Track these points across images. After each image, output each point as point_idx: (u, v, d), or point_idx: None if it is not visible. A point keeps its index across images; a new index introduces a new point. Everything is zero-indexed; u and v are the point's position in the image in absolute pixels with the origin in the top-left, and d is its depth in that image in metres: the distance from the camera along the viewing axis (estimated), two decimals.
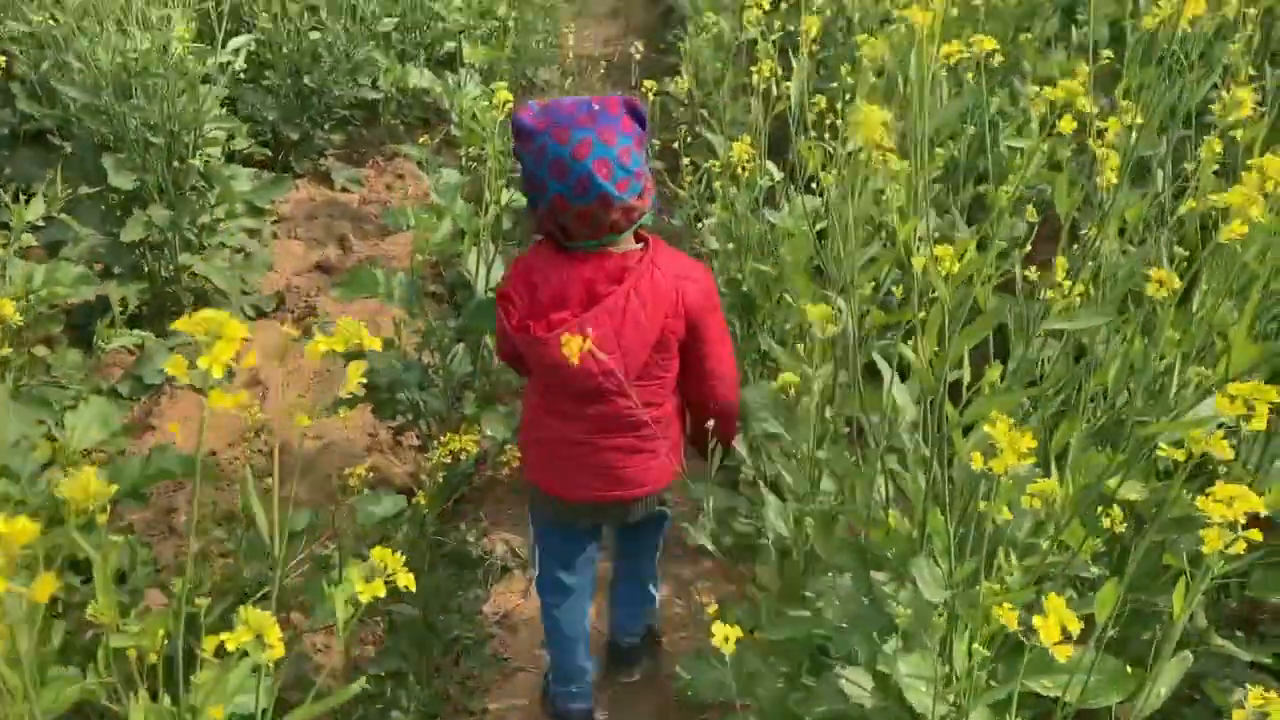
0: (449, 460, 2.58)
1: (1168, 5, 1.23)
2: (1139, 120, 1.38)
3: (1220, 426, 1.17)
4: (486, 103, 3.00)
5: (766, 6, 2.57)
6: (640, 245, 2.07)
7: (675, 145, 3.50)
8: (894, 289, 2.34)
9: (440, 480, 2.62)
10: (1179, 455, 1.14)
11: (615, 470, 2.17)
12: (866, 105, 1.31)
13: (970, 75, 2.33)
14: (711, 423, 1.95)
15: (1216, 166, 1.63)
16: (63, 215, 3.32)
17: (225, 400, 0.79)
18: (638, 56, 5.55)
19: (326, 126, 5.56)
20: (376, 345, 0.96)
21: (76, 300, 3.24)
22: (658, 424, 2.10)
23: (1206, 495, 1.01)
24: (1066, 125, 1.19)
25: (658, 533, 2.46)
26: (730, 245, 2.85)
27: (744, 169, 2.86)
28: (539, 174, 1.95)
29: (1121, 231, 1.97)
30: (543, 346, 1.97)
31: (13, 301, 2.61)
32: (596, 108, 1.96)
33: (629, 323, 1.98)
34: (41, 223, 2.91)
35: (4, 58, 4.05)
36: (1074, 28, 2.66)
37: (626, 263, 2.01)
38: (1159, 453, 1.27)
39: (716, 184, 3.01)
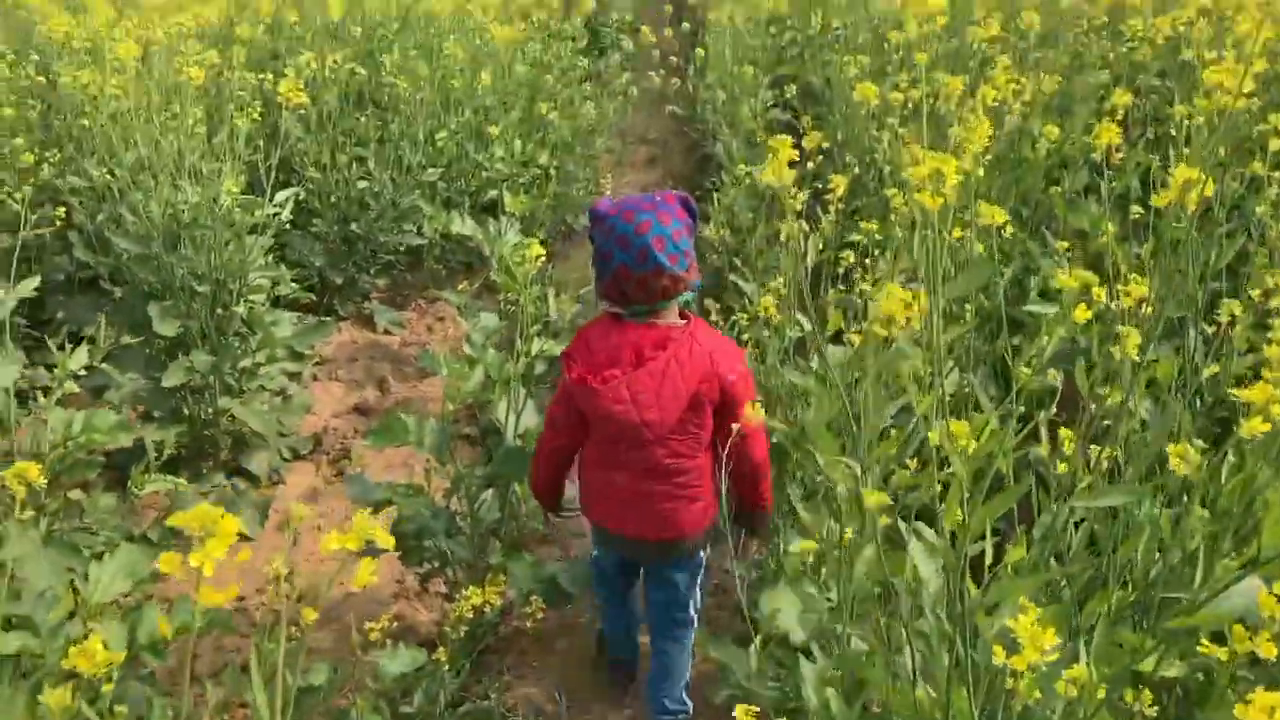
0: (472, 614, 2.54)
1: (1175, 187, 1.24)
2: (1161, 293, 1.37)
3: None
4: (520, 255, 3.07)
5: (794, 158, 2.63)
6: (684, 321, 2.49)
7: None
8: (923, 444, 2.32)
9: (462, 635, 2.57)
10: (1221, 654, 1.09)
11: (653, 511, 2.54)
12: (889, 288, 1.32)
13: (983, 246, 2.34)
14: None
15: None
16: (103, 365, 3.41)
17: (216, 598, 0.79)
18: None
19: (371, 271, 5.73)
20: (390, 543, 0.96)
21: (114, 446, 3.29)
22: (689, 474, 2.51)
23: (1246, 703, 0.96)
24: (1081, 315, 1.18)
25: (692, 581, 2.73)
26: (760, 398, 2.84)
27: (774, 319, 2.89)
28: (607, 247, 2.43)
29: (1150, 383, 1.94)
30: (596, 395, 2.40)
31: (50, 450, 2.67)
32: (657, 199, 2.46)
33: (668, 383, 2.39)
34: (83, 372, 2.99)
35: (65, 209, 4.26)
36: (1103, 181, 2.68)
37: (670, 333, 2.43)
38: (1200, 650, 1.21)
39: (745, 336, 3.03)
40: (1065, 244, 2.48)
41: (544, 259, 3.39)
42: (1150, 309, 1.43)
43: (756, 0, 6.63)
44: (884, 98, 4.66)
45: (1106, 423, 1.73)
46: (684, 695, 2.84)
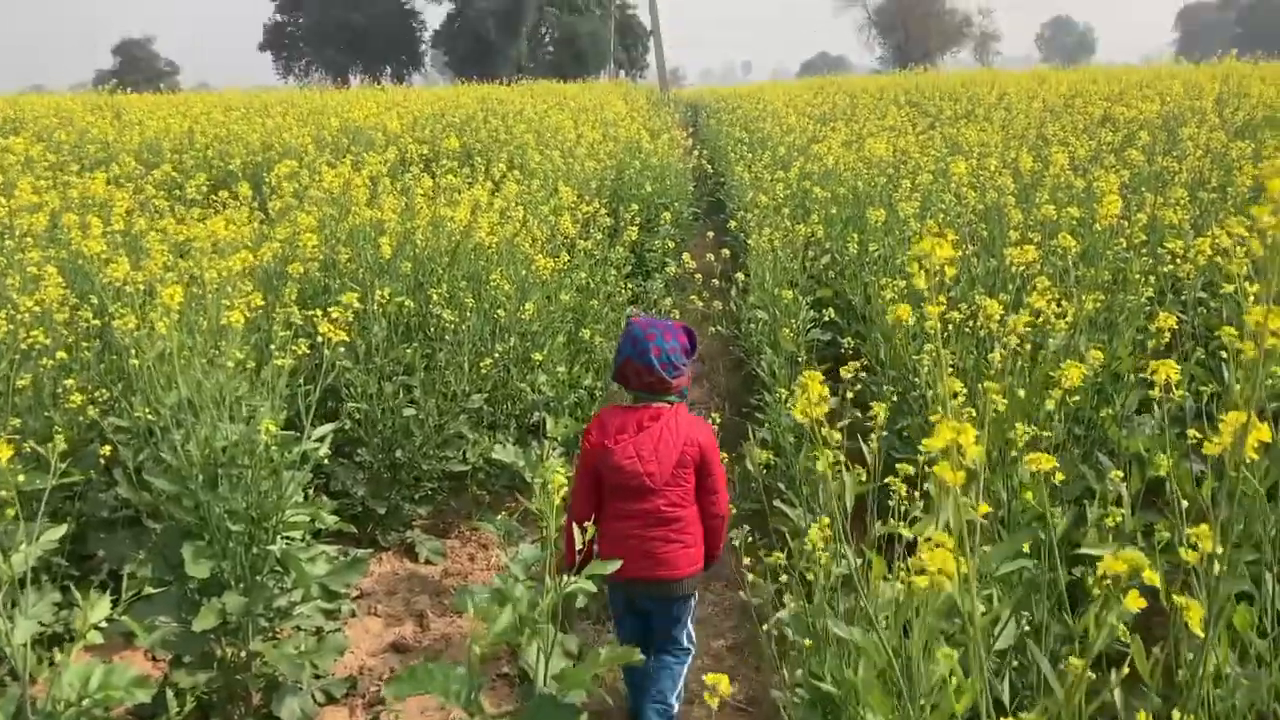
0: None
1: (1226, 434, 1.13)
2: (1226, 553, 1.24)
3: None
4: (543, 478, 2.99)
5: (824, 394, 2.56)
6: (671, 404, 3.51)
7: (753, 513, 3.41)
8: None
9: None
10: None
11: (656, 554, 3.41)
12: (931, 551, 1.21)
13: (1031, 494, 2.22)
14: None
15: None
16: (123, 617, 3.33)
17: None
18: (718, 421, 5.64)
19: (415, 498, 5.69)
20: None
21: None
22: (682, 521, 3.45)
23: None
24: (1134, 602, 1.06)
25: (687, 616, 3.64)
26: (807, 641, 2.67)
27: (820, 555, 2.74)
28: (623, 342, 3.55)
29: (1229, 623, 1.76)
30: (611, 454, 3.41)
31: (64, 709, 2.54)
32: (669, 324, 3.56)
33: (662, 444, 3.42)
34: (105, 624, 2.90)
35: (110, 447, 4.31)
36: (1155, 405, 2.56)
37: (661, 411, 3.48)
38: None
39: (782, 578, 2.88)
40: (1119, 473, 2.34)
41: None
42: (1220, 568, 1.29)
43: (793, 226, 6.79)
44: (922, 320, 4.69)
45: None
46: (674, 701, 3.56)
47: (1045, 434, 2.92)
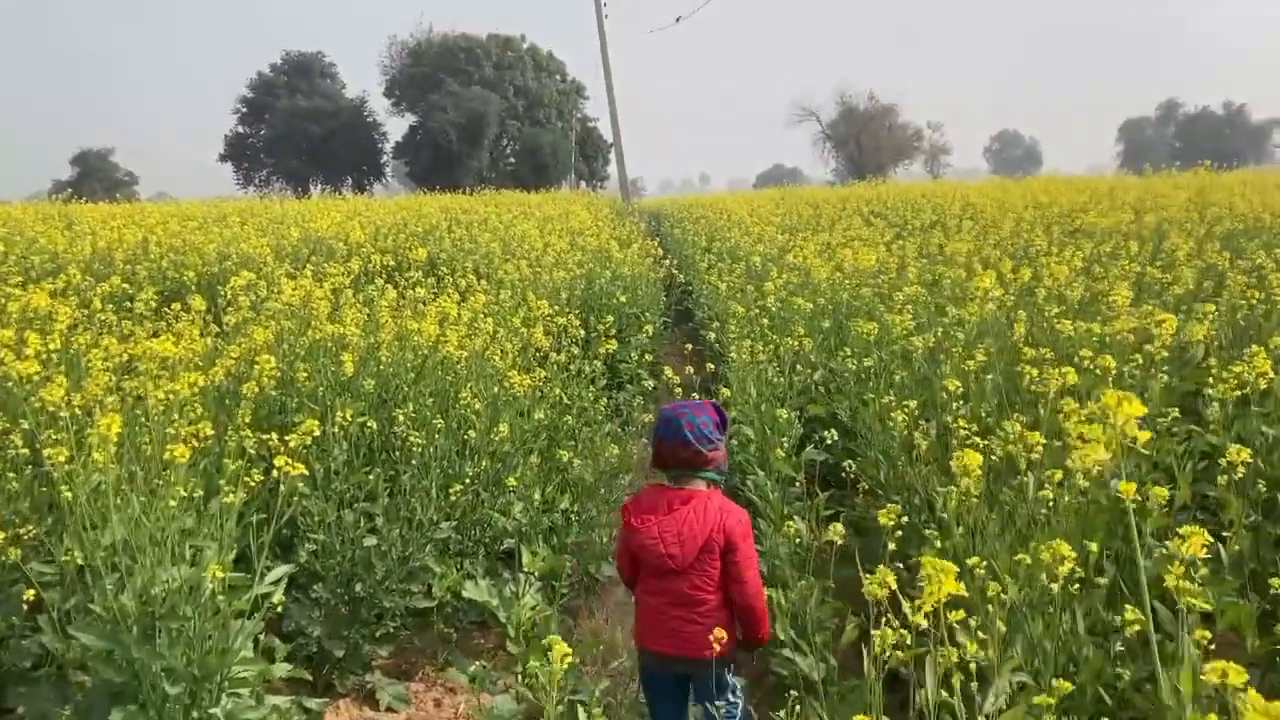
0: None
1: None
2: None
3: None
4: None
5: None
6: (706, 488, 3.54)
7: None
8: None
9: None
10: None
11: (679, 633, 3.44)
12: None
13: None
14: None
15: None
16: None
17: None
18: None
19: (376, 636, 5.18)
20: None
21: None
22: (707, 605, 3.42)
23: None
24: None
25: (718, 691, 3.45)
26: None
27: None
28: (659, 427, 3.59)
29: None
30: (637, 533, 3.48)
31: None
32: (698, 400, 3.75)
33: (686, 527, 3.41)
34: None
35: (34, 592, 3.82)
36: (1223, 549, 2.25)
37: (694, 495, 3.49)
38: None
39: None
40: (1207, 634, 1.99)
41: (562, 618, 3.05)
42: None
43: (780, 339, 6.52)
44: (932, 443, 4.38)
45: None
46: None
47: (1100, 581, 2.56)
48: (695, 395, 7.14)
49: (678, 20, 39.25)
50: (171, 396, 3.77)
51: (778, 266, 10.36)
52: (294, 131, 64.57)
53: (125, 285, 9.08)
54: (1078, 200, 14.80)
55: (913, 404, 4.29)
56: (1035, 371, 3.62)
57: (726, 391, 6.09)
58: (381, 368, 5.74)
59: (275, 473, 3.55)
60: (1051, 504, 2.76)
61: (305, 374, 5.42)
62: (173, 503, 3.20)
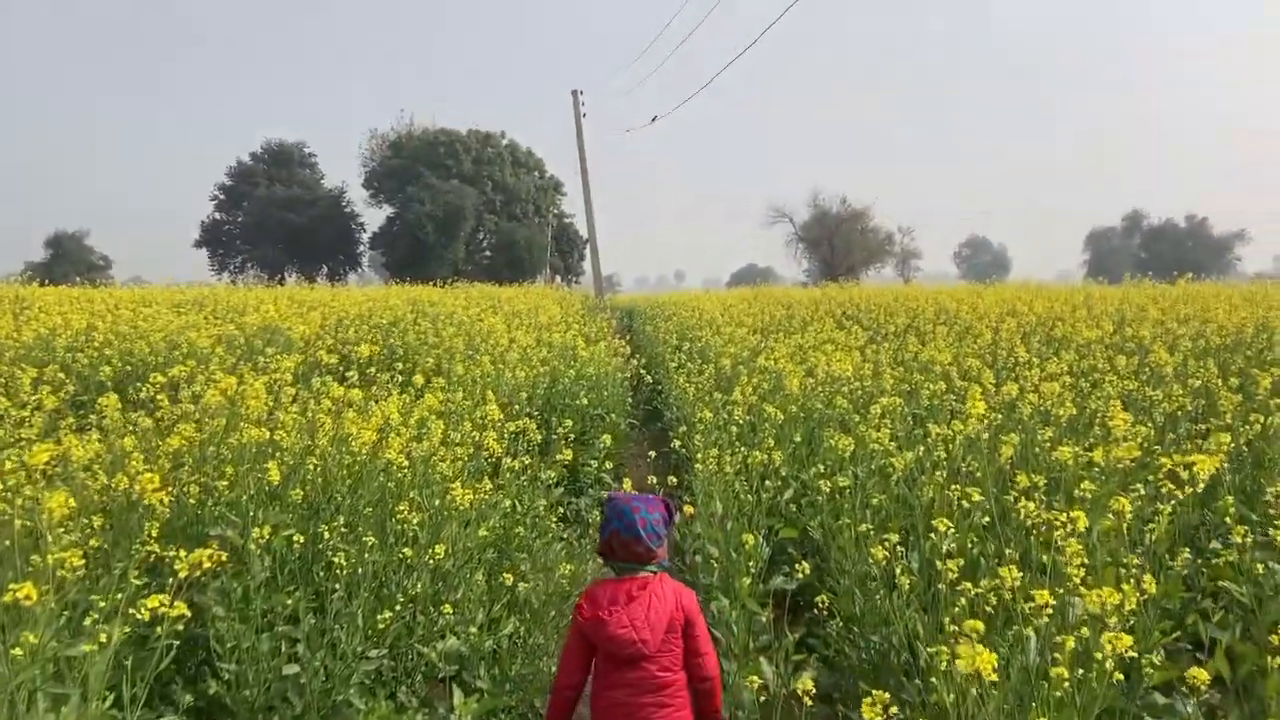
0: None
1: None
2: None
3: None
4: None
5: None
6: (655, 573, 3.63)
7: None
8: None
9: None
10: None
11: None
12: None
13: None
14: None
15: None
16: None
17: None
18: None
19: None
20: None
21: None
22: (673, 687, 3.53)
23: None
24: None
25: None
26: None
27: None
28: (610, 518, 3.66)
29: None
30: (605, 625, 3.50)
31: None
32: (649, 497, 3.72)
33: (651, 612, 3.52)
34: None
35: None
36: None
37: (648, 581, 3.59)
38: None
39: None
40: None
41: None
42: None
43: (748, 451, 6.10)
44: (915, 581, 3.95)
45: None
46: None
47: None
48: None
49: (654, 120, 39.74)
50: (48, 513, 3.27)
51: (748, 369, 10.01)
52: (271, 219, 64.47)
53: (61, 375, 8.61)
54: (1053, 308, 14.64)
55: (893, 537, 3.86)
56: (1031, 505, 3.22)
57: (690, 509, 5.63)
58: (312, 476, 5.24)
59: (172, 606, 3.06)
60: (1065, 684, 2.33)
61: (227, 482, 4.92)
62: (18, 652, 2.68)
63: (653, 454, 8.07)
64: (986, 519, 4.09)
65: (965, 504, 3.93)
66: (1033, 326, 12.17)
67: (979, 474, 4.55)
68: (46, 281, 25.26)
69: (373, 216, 70.55)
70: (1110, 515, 3.00)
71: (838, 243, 73.67)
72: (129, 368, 9.87)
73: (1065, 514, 2.88)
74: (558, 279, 66.07)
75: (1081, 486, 3.30)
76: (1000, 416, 5.44)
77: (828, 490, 4.91)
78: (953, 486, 4.13)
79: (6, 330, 11.25)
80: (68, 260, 68.23)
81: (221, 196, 68.47)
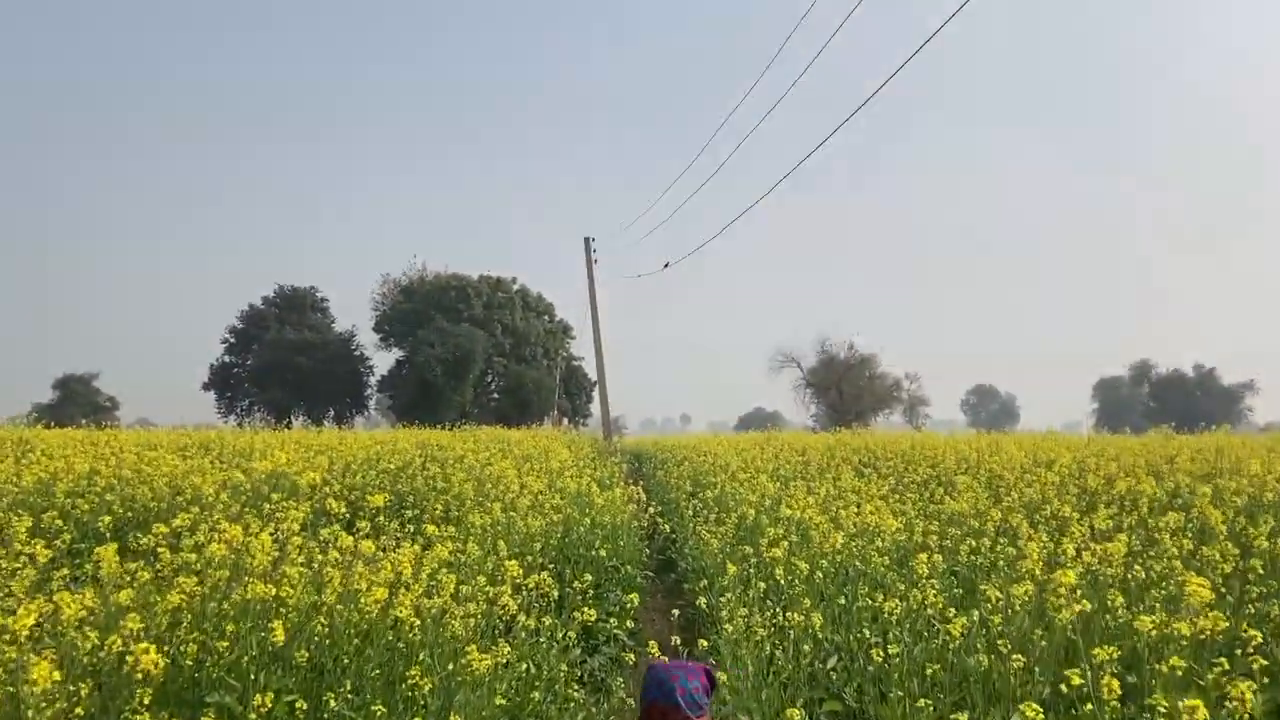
0: None
1: None
2: None
3: None
4: None
5: None
6: None
7: None
8: None
9: None
10: None
11: None
12: None
13: None
14: None
15: None
16: None
17: None
18: None
19: None
20: None
21: None
22: None
23: None
24: None
25: None
26: None
27: None
28: (649, 688, 3.58)
29: None
30: None
31: None
32: (690, 665, 3.66)
33: None
34: None
35: None
36: None
37: None
38: None
39: None
40: None
41: None
42: None
43: (778, 610, 5.73)
44: None
45: None
46: None
47: None
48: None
49: (666, 266, 40.24)
50: (28, 688, 2.95)
51: (771, 519, 9.66)
52: (280, 362, 64.87)
53: (59, 522, 8.31)
54: (1076, 458, 14.33)
55: (962, 718, 3.49)
56: (1115, 684, 2.88)
57: (723, 676, 5.24)
58: (319, 636, 4.89)
59: None
60: None
61: (227, 643, 4.57)
62: None
63: (676, 613, 7.65)
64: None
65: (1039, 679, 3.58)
66: (1064, 478, 11.84)
67: (1042, 642, 4.20)
68: (52, 424, 25.13)
69: (382, 360, 71.06)
70: (1229, 701, 2.67)
71: (846, 388, 73.79)
72: (130, 514, 9.57)
73: (1183, 703, 2.54)
74: (565, 421, 65.95)
75: (1170, 663, 2.98)
76: (1057, 577, 5.10)
77: (878, 659, 4.53)
78: (1015, 657, 3.78)
79: (6, 474, 10.99)
80: (75, 402, 68.43)
81: (232, 340, 69.12)
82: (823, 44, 15.79)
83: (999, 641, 4.15)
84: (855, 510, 8.30)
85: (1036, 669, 3.64)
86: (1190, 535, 6.71)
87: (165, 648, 4.46)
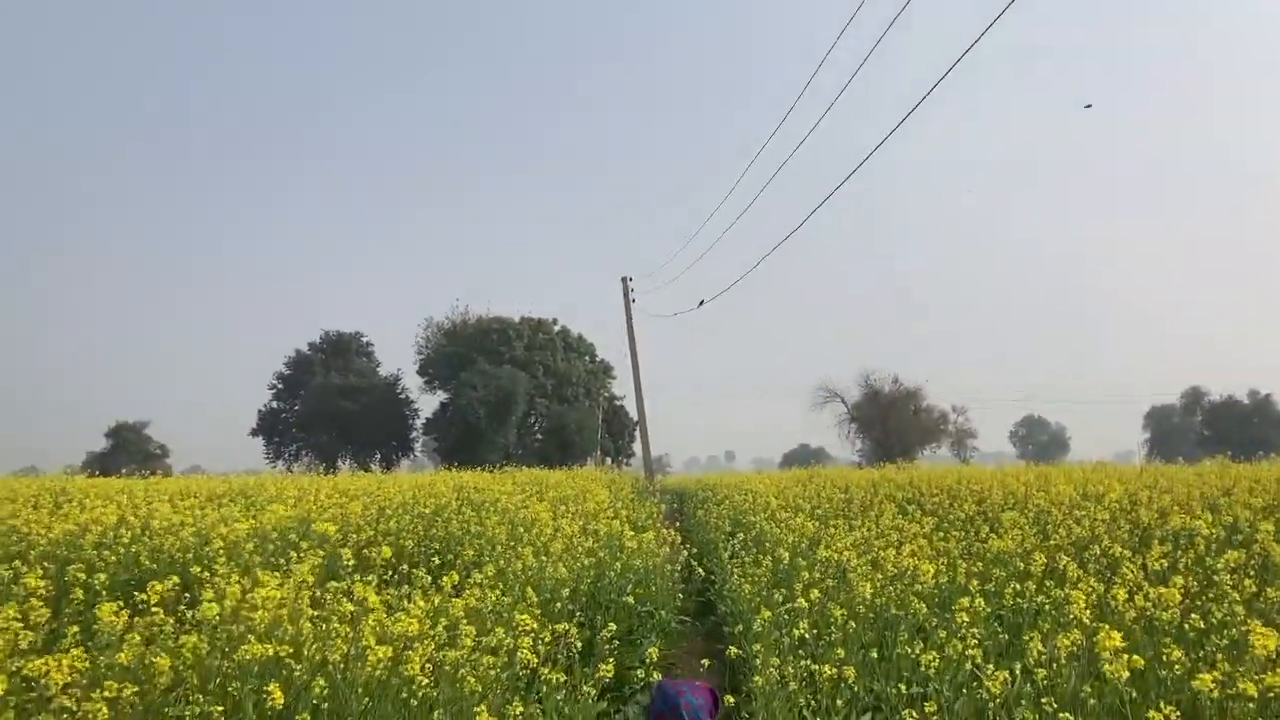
0: None
1: None
2: None
3: None
4: None
5: None
6: None
7: None
8: None
9: None
10: None
11: None
12: None
13: None
14: None
15: None
16: None
17: None
18: None
19: None
20: None
21: None
22: None
23: None
24: None
25: None
26: None
27: None
28: (655, 702, 3.80)
29: None
30: None
31: None
32: (696, 684, 3.83)
33: None
34: None
35: None
36: None
37: None
38: None
39: None
40: None
41: None
42: None
43: (811, 663, 5.41)
44: None
45: None
46: None
47: None
48: None
49: (701, 304, 40.10)
50: None
51: (808, 561, 9.31)
52: (326, 407, 65.40)
53: (80, 573, 8.20)
54: (1130, 490, 13.78)
55: None
56: None
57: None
58: (319, 697, 4.66)
59: None
60: None
61: (223, 708, 4.35)
62: None
63: (705, 662, 7.31)
64: None
65: None
66: (1114, 514, 11.33)
67: (1091, 700, 3.85)
68: (97, 472, 25.36)
69: (427, 402, 71.44)
70: None
71: (891, 423, 72.78)
72: (154, 566, 9.45)
73: None
74: (608, 460, 65.69)
75: None
76: (1102, 638, 4.73)
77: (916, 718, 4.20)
78: (1063, 716, 3.45)
79: (41, 524, 10.95)
80: (126, 450, 69.41)
81: (279, 385, 69.87)
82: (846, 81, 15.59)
83: (1043, 700, 3.81)
84: (894, 551, 7.94)
85: None
86: (1253, 575, 6.27)
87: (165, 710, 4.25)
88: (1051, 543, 8.84)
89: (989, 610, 5.96)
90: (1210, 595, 5.64)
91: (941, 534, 11.12)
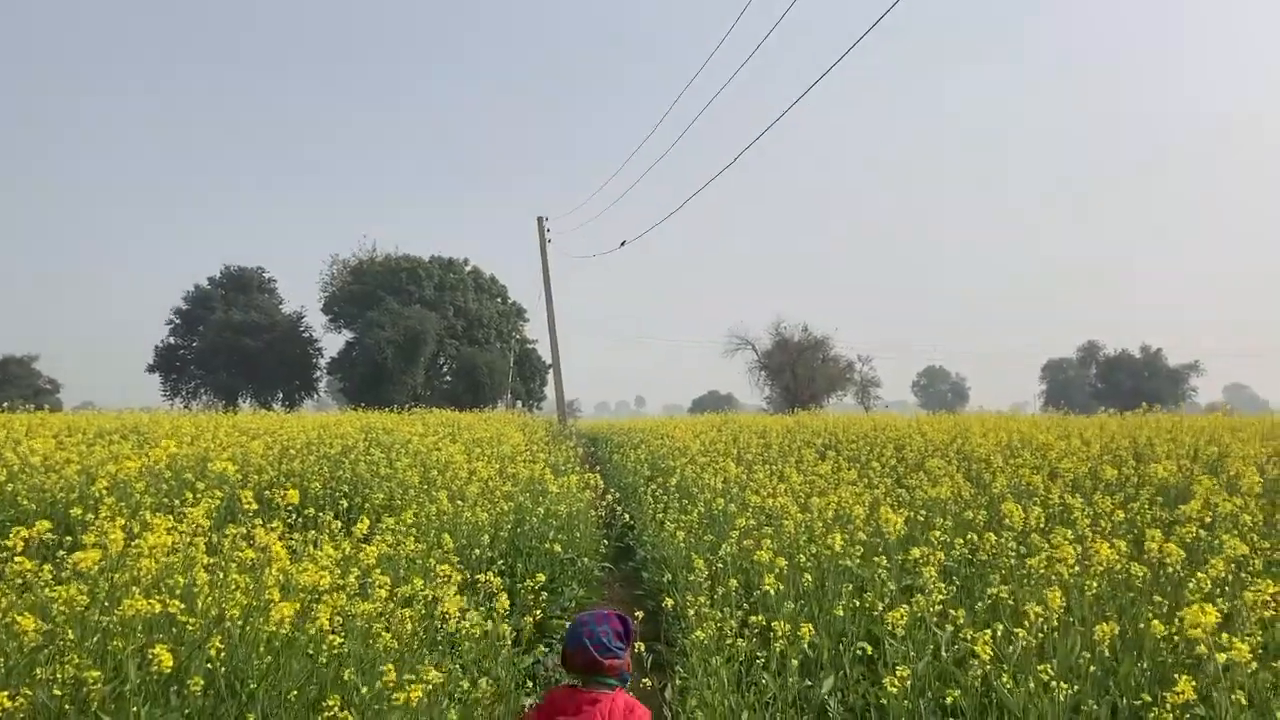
0: None
1: None
2: None
3: None
4: None
5: None
6: (612, 688, 3.74)
7: None
8: None
9: None
10: None
11: None
12: None
13: None
14: None
15: None
16: None
17: None
18: None
19: None
20: None
21: None
22: None
23: None
24: None
25: None
26: None
27: None
28: (567, 635, 3.86)
29: None
30: None
31: None
32: (603, 613, 3.87)
33: None
34: None
35: None
36: None
37: (600, 697, 3.68)
38: None
39: None
40: None
41: None
42: None
43: (752, 615, 5.04)
44: None
45: None
46: None
47: None
48: (645, 681, 5.59)
49: (623, 244, 39.39)
50: None
51: (739, 506, 9.00)
52: (226, 344, 63.14)
53: None
54: (1049, 439, 13.84)
55: None
56: None
57: (679, 677, 4.55)
58: (216, 662, 4.12)
59: None
60: None
61: (96, 675, 3.79)
62: None
63: (639, 614, 6.91)
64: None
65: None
66: (1051, 462, 11.28)
67: (1092, 668, 3.56)
68: None
69: (331, 342, 69.60)
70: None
71: (800, 370, 73.57)
72: (34, 507, 8.68)
73: None
74: (519, 404, 65.03)
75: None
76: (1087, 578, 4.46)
77: (895, 691, 3.86)
78: (1059, 685, 3.14)
79: None
80: (12, 384, 66.18)
81: (177, 321, 67.16)
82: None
83: (1040, 667, 3.50)
84: (838, 500, 7.65)
85: (1093, 701, 3.01)
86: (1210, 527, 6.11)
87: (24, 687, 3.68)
88: (994, 490, 8.69)
89: (948, 559, 5.68)
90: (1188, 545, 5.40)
91: (865, 481, 10.94)
